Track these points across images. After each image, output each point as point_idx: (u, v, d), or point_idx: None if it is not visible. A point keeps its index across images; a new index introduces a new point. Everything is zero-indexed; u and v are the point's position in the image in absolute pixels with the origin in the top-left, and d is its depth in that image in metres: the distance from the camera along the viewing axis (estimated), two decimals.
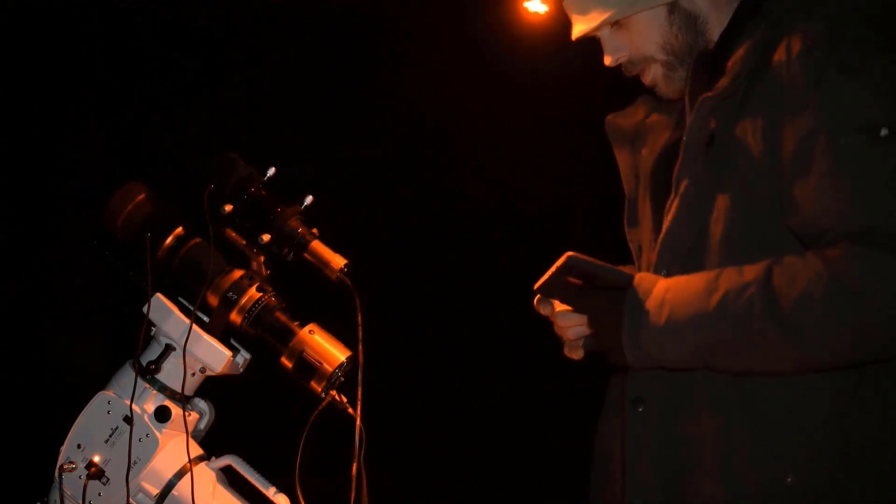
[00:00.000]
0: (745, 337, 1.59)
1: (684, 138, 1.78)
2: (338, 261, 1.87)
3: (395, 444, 3.64)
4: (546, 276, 1.74)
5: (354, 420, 1.81)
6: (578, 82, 3.57)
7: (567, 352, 1.88)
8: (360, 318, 1.81)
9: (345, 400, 1.88)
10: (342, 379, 1.88)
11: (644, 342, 1.66)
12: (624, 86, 2.02)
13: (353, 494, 1.78)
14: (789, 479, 1.65)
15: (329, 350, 1.87)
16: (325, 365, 1.86)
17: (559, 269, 1.72)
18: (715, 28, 1.86)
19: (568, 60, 3.47)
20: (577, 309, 1.78)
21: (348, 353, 1.88)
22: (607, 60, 1.92)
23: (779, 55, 1.67)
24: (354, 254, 1.90)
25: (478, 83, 3.72)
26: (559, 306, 1.82)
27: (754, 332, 1.57)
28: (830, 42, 1.64)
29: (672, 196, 1.78)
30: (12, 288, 3.80)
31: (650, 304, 1.66)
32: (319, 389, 1.86)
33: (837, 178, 1.57)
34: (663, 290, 1.67)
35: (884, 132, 1.56)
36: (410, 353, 4.03)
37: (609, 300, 1.71)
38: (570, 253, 1.71)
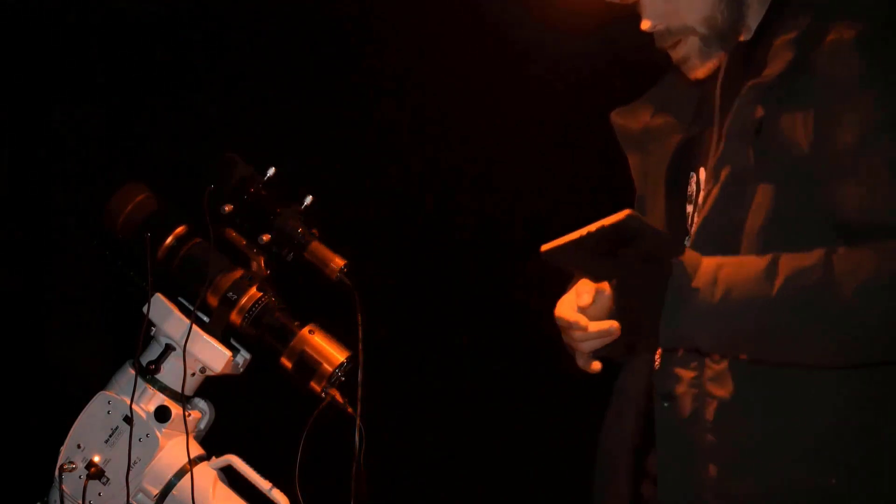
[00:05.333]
0: (805, 325, 1.58)
1: (727, 126, 1.75)
2: (338, 261, 1.87)
3: (395, 444, 3.64)
4: (577, 236, 1.61)
5: (354, 420, 1.81)
6: (587, 82, 3.57)
7: (583, 365, 1.86)
8: (360, 318, 1.81)
9: (344, 400, 1.88)
10: (342, 379, 1.88)
11: (686, 320, 1.62)
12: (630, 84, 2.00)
13: (353, 494, 1.78)
14: (819, 479, 1.63)
15: (329, 350, 1.88)
16: (325, 365, 1.86)
17: (605, 231, 1.58)
18: (753, 15, 1.84)
19: (575, 57, 3.48)
20: (601, 277, 1.71)
21: (348, 353, 1.88)
22: (645, 25, 1.87)
23: (829, 49, 1.67)
24: (354, 254, 1.90)
25: (480, 83, 3.72)
26: (574, 316, 1.78)
27: (815, 321, 1.57)
28: (883, 40, 1.65)
29: (709, 185, 1.76)
30: (12, 288, 3.80)
31: (699, 281, 1.62)
32: (319, 389, 1.86)
33: (883, 176, 1.59)
34: (714, 267, 1.63)
35: None
36: (410, 353, 4.03)
37: (647, 271, 1.64)
38: (629, 211, 1.59)
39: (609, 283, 1.72)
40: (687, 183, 1.90)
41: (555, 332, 1.95)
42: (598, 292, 1.81)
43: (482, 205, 3.99)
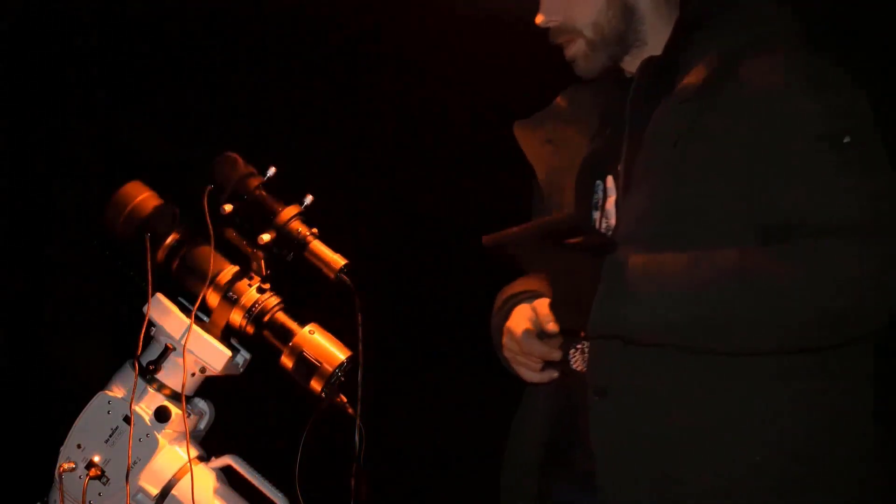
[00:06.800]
0: (725, 316, 1.69)
1: (648, 134, 1.85)
2: (337, 261, 1.87)
3: (395, 444, 3.64)
4: (522, 230, 1.74)
5: (354, 420, 1.81)
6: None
7: (529, 376, 1.97)
8: (360, 318, 1.81)
9: (345, 400, 1.88)
10: (342, 379, 1.88)
11: (617, 311, 1.71)
12: None
13: (353, 494, 1.78)
14: (758, 458, 1.73)
15: (329, 350, 1.87)
16: (325, 365, 1.86)
17: (550, 225, 1.73)
18: (650, 31, 1.96)
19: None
20: (536, 267, 1.83)
21: (348, 353, 1.88)
22: (538, 19, 1.98)
23: (749, 64, 1.80)
24: (354, 254, 1.90)
25: (482, 82, 3.71)
26: (516, 339, 1.90)
27: (735, 313, 1.68)
28: (798, 57, 1.82)
29: (626, 191, 1.87)
30: (12, 288, 3.80)
31: (630, 274, 1.72)
32: (319, 389, 1.86)
33: (806, 180, 1.72)
34: (642, 263, 1.73)
35: (846, 139, 1.74)
36: (410, 353, 4.03)
37: (582, 265, 1.74)
38: (572, 211, 1.78)
39: (545, 273, 1.85)
40: (593, 191, 1.99)
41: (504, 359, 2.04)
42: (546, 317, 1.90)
43: (483, 205, 3.98)
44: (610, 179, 1.97)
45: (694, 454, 1.76)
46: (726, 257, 1.70)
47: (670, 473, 1.77)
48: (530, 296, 2.03)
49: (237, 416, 2.41)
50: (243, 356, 1.98)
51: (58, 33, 3.76)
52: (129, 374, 1.89)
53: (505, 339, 1.99)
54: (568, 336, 1.95)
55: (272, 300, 1.91)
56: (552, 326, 1.87)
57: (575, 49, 1.97)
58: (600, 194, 1.99)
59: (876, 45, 2.73)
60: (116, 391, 1.89)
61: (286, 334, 1.89)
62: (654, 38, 1.97)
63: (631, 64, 2.00)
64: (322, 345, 1.88)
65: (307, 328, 1.90)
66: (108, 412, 1.87)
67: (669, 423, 1.78)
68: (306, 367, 1.86)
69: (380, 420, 2.07)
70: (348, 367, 1.88)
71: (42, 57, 3.76)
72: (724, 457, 1.75)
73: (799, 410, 1.76)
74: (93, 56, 3.82)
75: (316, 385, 1.86)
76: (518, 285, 2.10)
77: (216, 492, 1.89)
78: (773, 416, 1.75)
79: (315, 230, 1.90)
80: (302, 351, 1.87)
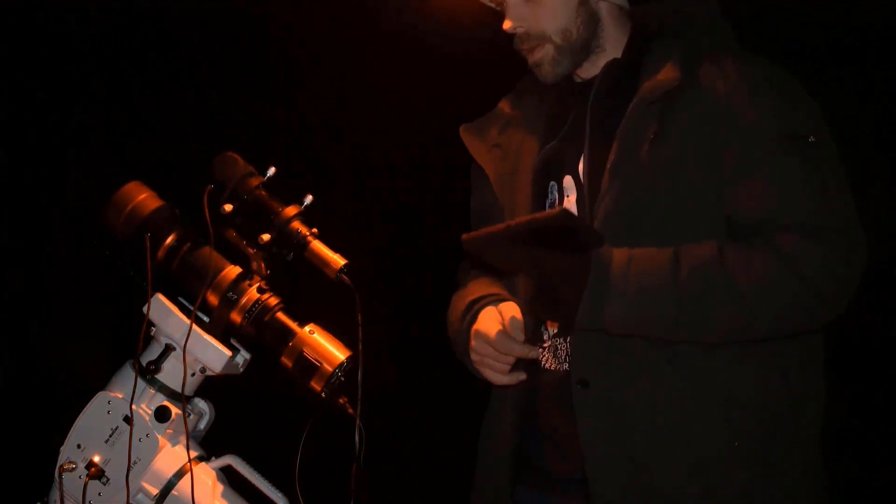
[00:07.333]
0: (705, 308, 1.79)
1: (619, 136, 1.92)
2: (337, 261, 1.87)
3: (395, 444, 3.64)
4: (509, 228, 1.77)
5: (354, 420, 1.81)
6: None
7: (497, 378, 2.02)
8: (360, 318, 1.81)
9: (344, 400, 1.87)
10: (342, 379, 1.88)
11: (604, 306, 1.79)
12: None
13: (353, 494, 1.78)
14: (736, 443, 1.84)
15: (329, 350, 1.87)
16: (325, 365, 1.86)
17: (540, 222, 1.75)
18: (608, 39, 2.06)
19: None
20: (518, 266, 1.87)
21: (348, 353, 1.88)
22: (506, 25, 2.05)
23: (710, 69, 1.91)
24: (354, 254, 1.90)
25: (482, 81, 3.72)
26: (490, 342, 1.94)
27: (714, 307, 1.79)
28: (756, 63, 1.93)
29: (592, 190, 1.95)
30: (11, 288, 3.80)
31: (615, 270, 1.80)
32: (319, 389, 1.86)
33: (774, 179, 1.83)
34: (627, 259, 1.81)
35: (812, 139, 1.86)
36: (410, 353, 4.03)
37: (570, 260, 1.80)
38: (563, 208, 1.79)
39: (526, 271, 1.91)
40: (548, 193, 2.07)
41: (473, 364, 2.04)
42: (513, 319, 1.99)
43: None
44: (567, 179, 2.05)
45: (669, 437, 1.86)
46: (703, 253, 1.80)
47: (649, 456, 1.86)
48: (495, 299, 2.08)
49: (237, 416, 2.41)
50: (243, 356, 1.98)
51: (59, 32, 3.76)
52: (129, 374, 1.89)
53: (473, 343, 2.03)
54: (535, 336, 2.03)
55: (272, 300, 1.91)
56: (520, 336, 1.97)
57: (542, 54, 2.04)
58: (555, 195, 2.06)
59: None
60: (116, 391, 1.88)
61: (286, 334, 1.89)
62: (611, 45, 2.06)
63: (586, 70, 2.09)
64: (322, 345, 1.88)
65: (307, 328, 1.90)
66: (108, 412, 1.87)
67: (646, 409, 1.86)
68: (306, 367, 1.86)
69: (380, 420, 2.07)
70: (348, 367, 1.88)
71: (43, 56, 3.76)
72: (696, 438, 1.85)
73: (759, 394, 1.86)
74: (94, 56, 3.82)
75: (316, 385, 1.86)
76: (476, 289, 2.15)
77: (216, 492, 1.89)
78: (736, 400, 1.85)
79: (315, 230, 1.90)
80: (302, 351, 1.87)
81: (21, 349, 3.79)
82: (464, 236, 1.82)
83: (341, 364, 1.86)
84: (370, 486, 1.80)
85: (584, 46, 2.04)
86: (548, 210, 2.02)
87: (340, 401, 1.87)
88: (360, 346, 1.83)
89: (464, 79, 3.75)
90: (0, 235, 3.76)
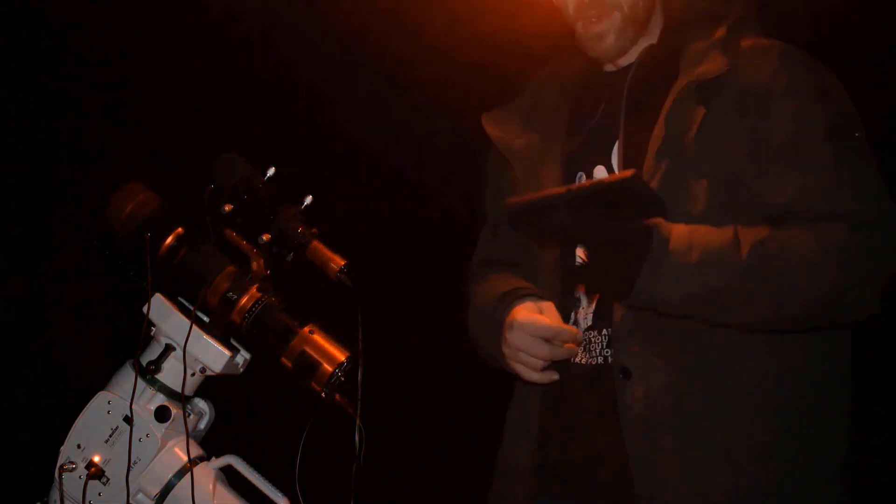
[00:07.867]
0: (765, 288, 1.78)
1: (663, 120, 1.91)
2: (338, 261, 1.87)
3: (395, 444, 3.64)
4: (571, 190, 1.71)
5: (354, 420, 1.80)
6: None
7: (529, 375, 1.98)
8: (360, 318, 1.81)
9: (344, 400, 1.87)
10: (342, 379, 1.88)
11: (663, 279, 1.77)
12: None
13: (353, 494, 1.78)
14: (769, 439, 1.84)
15: (329, 350, 1.87)
16: (325, 365, 1.86)
17: (609, 185, 1.68)
18: (655, 24, 2.06)
19: None
20: (572, 235, 1.83)
21: (348, 353, 1.88)
22: None
23: (753, 57, 1.92)
24: (354, 254, 1.90)
25: (483, 82, 3.72)
26: (522, 342, 1.90)
27: (775, 285, 1.78)
28: (799, 53, 1.94)
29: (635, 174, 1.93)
30: (12, 288, 3.80)
31: (675, 244, 1.78)
32: (319, 389, 1.86)
33: (824, 170, 1.84)
34: (688, 233, 1.80)
35: (857, 134, 1.89)
36: (410, 353, 4.03)
37: (631, 228, 1.77)
38: (633, 171, 1.71)
39: (583, 240, 1.85)
40: (575, 182, 2.06)
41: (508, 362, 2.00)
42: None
43: (484, 204, 3.98)
44: (599, 169, 2.03)
45: (706, 430, 1.85)
46: (760, 234, 1.80)
47: (687, 451, 1.85)
48: (527, 292, 2.04)
49: (237, 416, 2.41)
50: (243, 356, 1.98)
51: (58, 33, 3.76)
52: (129, 374, 1.89)
53: (508, 335, 1.98)
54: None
55: (272, 300, 1.91)
56: (569, 345, 1.94)
57: (609, 23, 2.00)
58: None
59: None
60: (116, 391, 1.88)
61: (286, 334, 1.88)
62: (655, 32, 2.06)
63: (627, 56, 2.07)
64: (322, 345, 1.88)
65: (307, 328, 1.89)
66: (108, 412, 1.87)
67: (686, 398, 1.85)
68: (306, 367, 1.86)
69: (380, 420, 2.07)
70: (348, 367, 1.88)
71: (42, 57, 3.76)
72: (732, 431, 1.84)
73: (793, 389, 1.87)
74: (93, 56, 3.82)
75: (316, 385, 1.86)
76: (503, 282, 2.12)
77: (216, 492, 1.89)
78: (772, 393, 1.86)
79: (315, 230, 1.90)
80: (302, 351, 1.86)
81: (21, 349, 3.79)
82: (510, 199, 1.79)
83: (341, 364, 1.86)
84: (370, 486, 1.80)
85: (644, 24, 2.03)
86: (622, 172, 1.95)
87: (340, 401, 1.87)
88: (360, 346, 1.83)
89: (466, 77, 3.75)
90: (0, 235, 3.76)
